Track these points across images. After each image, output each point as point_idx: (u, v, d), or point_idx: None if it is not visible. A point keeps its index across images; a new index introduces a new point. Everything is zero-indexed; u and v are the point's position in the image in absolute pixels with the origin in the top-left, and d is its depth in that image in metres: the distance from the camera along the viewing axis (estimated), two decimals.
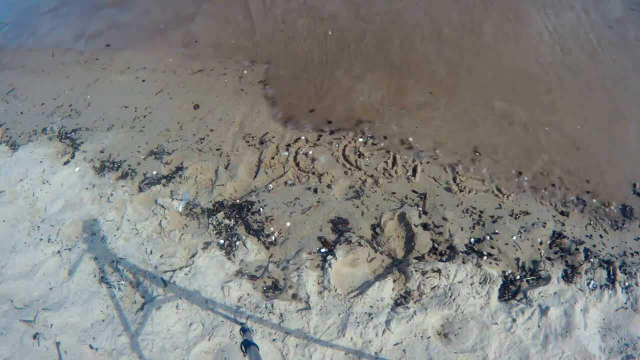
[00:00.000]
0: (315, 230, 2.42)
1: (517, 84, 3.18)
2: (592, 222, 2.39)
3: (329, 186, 2.62)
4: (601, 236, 2.33)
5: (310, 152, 2.82)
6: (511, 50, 3.43)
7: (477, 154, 2.73)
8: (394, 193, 2.56)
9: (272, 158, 2.82)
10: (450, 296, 2.08)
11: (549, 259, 2.24)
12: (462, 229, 2.36)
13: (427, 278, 2.13)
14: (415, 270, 2.16)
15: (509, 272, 2.19)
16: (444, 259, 2.25)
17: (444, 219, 2.41)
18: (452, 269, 2.15)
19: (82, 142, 3.20)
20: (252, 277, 2.26)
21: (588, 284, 2.12)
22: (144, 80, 3.66)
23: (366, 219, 2.44)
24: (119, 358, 2.04)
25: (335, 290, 2.15)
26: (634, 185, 2.53)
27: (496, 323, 2.00)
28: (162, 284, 2.25)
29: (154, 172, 2.85)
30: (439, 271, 2.15)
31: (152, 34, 4.17)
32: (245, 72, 3.54)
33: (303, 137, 2.93)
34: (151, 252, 2.41)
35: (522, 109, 3.01)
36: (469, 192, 2.53)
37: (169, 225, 2.53)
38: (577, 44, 3.41)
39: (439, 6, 3.82)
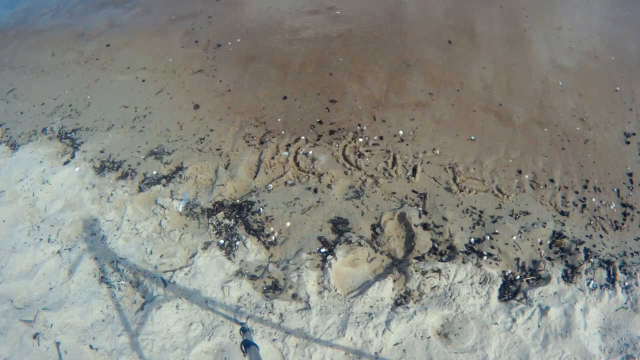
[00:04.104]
0: (315, 230, 2.42)
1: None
2: (592, 222, 2.39)
3: (329, 186, 2.62)
4: (601, 236, 2.33)
5: (310, 152, 2.82)
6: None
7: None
8: (394, 193, 2.56)
9: (272, 158, 2.82)
10: (450, 296, 2.07)
11: (549, 259, 2.24)
12: (462, 229, 2.36)
13: (427, 278, 2.13)
14: (415, 270, 2.16)
15: (509, 272, 2.19)
16: (444, 259, 2.25)
17: (444, 219, 2.41)
18: (452, 269, 2.15)
19: (82, 142, 3.20)
20: (252, 277, 2.26)
21: (588, 284, 2.12)
22: (144, 80, 3.66)
23: (366, 219, 2.44)
24: (119, 358, 2.04)
25: (335, 290, 2.15)
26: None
27: (496, 323, 2.00)
28: (162, 284, 2.25)
29: (154, 172, 2.85)
30: (439, 271, 2.15)
31: (152, 34, 4.17)
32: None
33: (303, 137, 2.93)
34: (151, 252, 2.41)
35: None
36: (469, 192, 2.53)
37: (169, 225, 2.53)
38: None
39: None
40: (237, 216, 2.53)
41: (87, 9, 4.89)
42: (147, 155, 2.98)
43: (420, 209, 2.46)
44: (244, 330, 1.66)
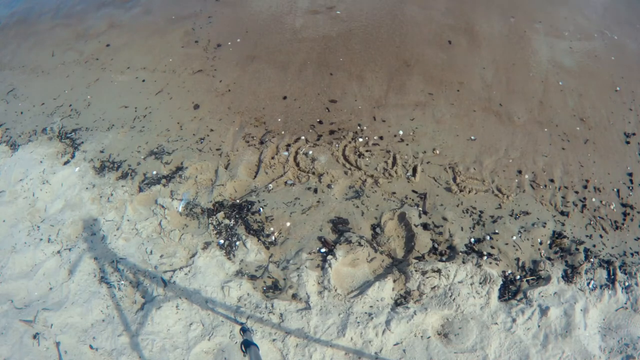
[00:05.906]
0: (315, 230, 2.42)
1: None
2: (592, 222, 2.39)
3: (329, 186, 2.62)
4: (601, 236, 2.33)
5: (310, 152, 2.82)
6: None
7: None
8: (394, 193, 2.56)
9: (272, 158, 2.82)
10: (450, 296, 2.08)
11: (549, 259, 2.24)
12: (462, 229, 2.36)
13: (427, 278, 2.13)
14: (415, 270, 2.16)
15: (509, 272, 2.19)
16: (444, 259, 2.25)
17: (444, 219, 2.41)
18: (452, 269, 2.15)
19: (82, 142, 3.19)
20: (252, 277, 2.26)
21: (588, 284, 2.12)
22: (144, 80, 3.66)
23: (366, 219, 2.44)
24: (119, 358, 2.04)
25: (335, 290, 2.15)
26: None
27: (496, 323, 2.00)
28: (162, 284, 2.25)
29: (154, 172, 2.85)
30: (439, 271, 2.15)
31: (152, 34, 4.17)
32: None
33: (303, 137, 2.93)
34: (151, 252, 2.41)
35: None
36: (469, 192, 2.53)
37: (169, 225, 2.53)
38: None
39: None
40: (237, 216, 2.53)
41: (87, 9, 4.88)
42: (147, 155, 2.98)
43: (420, 209, 2.46)
44: (244, 330, 1.66)
